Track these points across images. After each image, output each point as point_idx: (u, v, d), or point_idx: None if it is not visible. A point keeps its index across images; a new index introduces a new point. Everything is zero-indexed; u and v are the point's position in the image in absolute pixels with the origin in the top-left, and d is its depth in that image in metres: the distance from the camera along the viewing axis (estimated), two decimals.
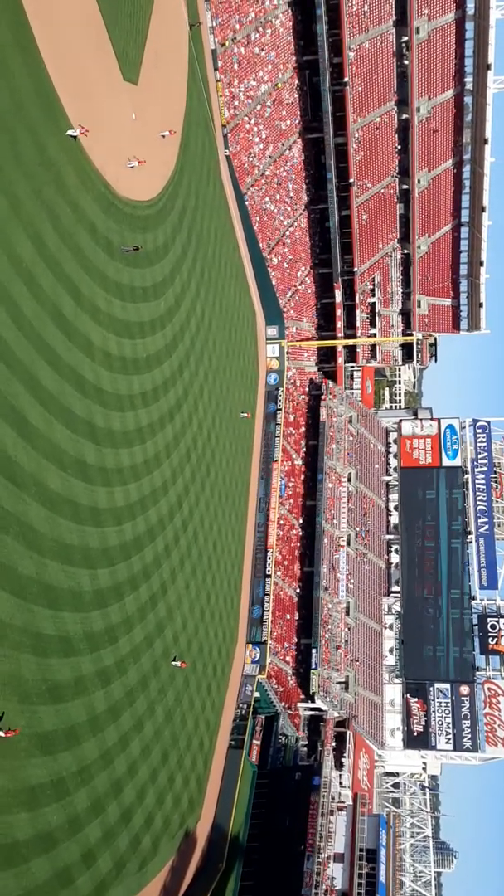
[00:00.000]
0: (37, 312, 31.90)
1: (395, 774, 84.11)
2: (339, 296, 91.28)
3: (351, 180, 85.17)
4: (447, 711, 78.93)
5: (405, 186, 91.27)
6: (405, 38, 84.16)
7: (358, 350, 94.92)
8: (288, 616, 76.89)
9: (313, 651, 72.53)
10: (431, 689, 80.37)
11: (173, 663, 45.90)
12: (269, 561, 74.02)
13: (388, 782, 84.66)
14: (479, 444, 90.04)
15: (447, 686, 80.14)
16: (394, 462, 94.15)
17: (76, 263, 36.61)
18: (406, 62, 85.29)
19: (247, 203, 77.15)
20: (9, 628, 27.77)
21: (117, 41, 43.75)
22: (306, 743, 71.40)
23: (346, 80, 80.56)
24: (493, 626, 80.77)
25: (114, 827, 36.50)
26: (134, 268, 45.72)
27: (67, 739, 32.10)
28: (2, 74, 29.43)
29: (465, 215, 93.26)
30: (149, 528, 45.83)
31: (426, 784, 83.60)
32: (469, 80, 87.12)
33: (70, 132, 36.33)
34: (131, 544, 42.52)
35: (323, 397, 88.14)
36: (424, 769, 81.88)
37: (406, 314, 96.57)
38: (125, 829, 38.06)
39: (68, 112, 35.67)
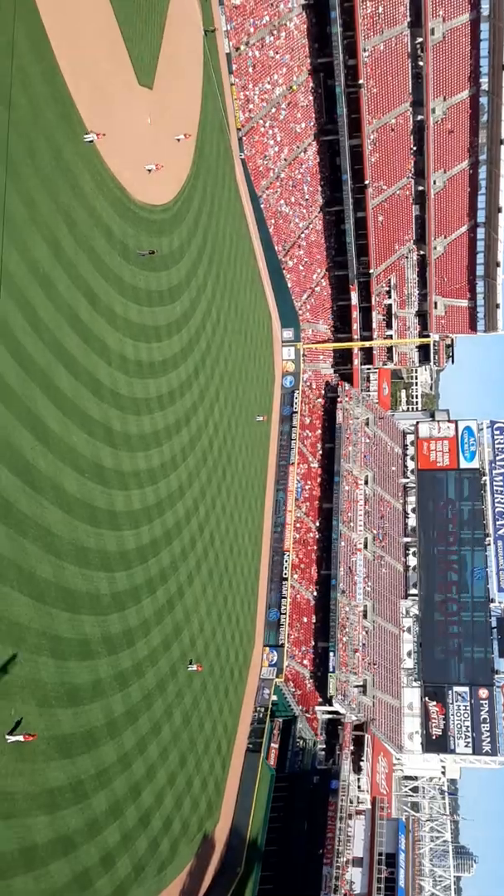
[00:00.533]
0: (53, 317, 32.05)
1: (414, 778, 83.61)
2: (355, 298, 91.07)
3: (366, 182, 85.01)
4: (466, 715, 78.40)
5: (421, 188, 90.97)
6: (420, 40, 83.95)
7: (374, 352, 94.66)
8: (305, 619, 76.70)
9: (331, 654, 72.27)
10: (450, 692, 79.87)
11: (189, 667, 45.86)
12: (285, 564, 73.84)
13: (406, 786, 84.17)
14: (496, 446, 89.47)
15: (466, 689, 79.61)
16: (411, 464, 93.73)
17: (92, 267, 36.75)
18: (421, 63, 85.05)
19: (262, 206, 77.17)
20: (27, 631, 27.86)
21: (132, 46, 43.92)
22: (324, 746, 71.14)
23: (360, 81, 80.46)
24: None
25: (132, 830, 36.52)
26: (150, 271, 45.84)
27: (86, 743, 32.14)
28: (19, 81, 29.61)
29: (481, 216, 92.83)
30: (165, 531, 45.87)
31: (445, 788, 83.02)
32: (484, 80, 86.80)
33: (86, 137, 36.51)
34: (148, 547, 42.58)
35: (339, 399, 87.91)
36: (443, 773, 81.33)
37: (422, 315, 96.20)
38: (144, 832, 38.06)
39: (84, 117, 35.84)
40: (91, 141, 36.96)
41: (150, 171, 46.80)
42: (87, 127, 36.20)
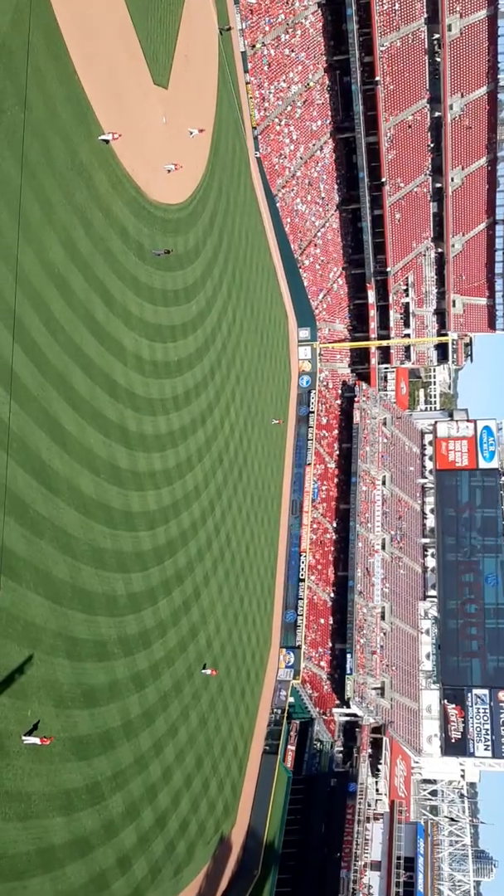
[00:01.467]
0: (69, 317, 31.95)
1: (433, 782, 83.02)
2: (372, 296, 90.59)
3: (383, 179, 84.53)
4: (485, 718, 77.72)
5: (438, 185, 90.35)
6: (437, 36, 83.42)
7: (392, 351, 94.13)
8: (322, 620, 76.34)
9: (348, 656, 71.90)
10: (469, 695, 79.23)
11: (203, 671, 45.55)
12: (302, 565, 73.54)
13: (425, 790, 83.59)
14: None
15: (485, 692, 78.93)
16: (429, 464, 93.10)
17: (108, 268, 36.63)
18: (438, 60, 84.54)
19: (278, 204, 76.91)
20: (43, 632, 27.77)
21: (147, 46, 43.79)
22: (342, 749, 70.78)
23: (377, 78, 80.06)
24: None
25: (149, 832, 36.38)
26: (165, 271, 45.70)
27: (102, 744, 32.02)
28: (35, 82, 29.53)
29: (500, 213, 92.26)
30: (181, 532, 45.72)
31: (464, 792, 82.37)
32: (502, 76, 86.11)
33: (102, 137, 36.39)
34: (164, 548, 42.44)
35: (356, 399, 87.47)
36: (463, 776, 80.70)
37: (440, 314, 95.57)
38: (160, 834, 37.92)
39: (100, 117, 35.73)
40: (107, 140, 36.86)
41: (169, 171, 46.83)
42: (104, 129, 36.10)
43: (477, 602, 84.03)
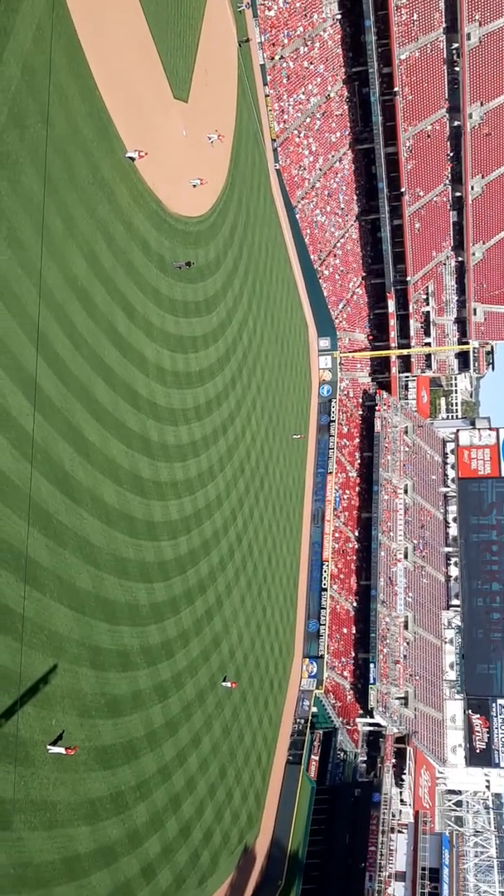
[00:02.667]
0: (91, 330, 32.34)
1: (458, 792, 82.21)
2: (392, 305, 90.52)
3: (402, 189, 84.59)
4: None
5: (458, 193, 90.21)
6: (456, 45, 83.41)
7: (412, 360, 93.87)
8: (345, 630, 76.10)
9: (371, 666, 71.59)
10: (494, 705, 78.51)
11: (223, 684, 45.45)
12: (324, 574, 73.42)
13: (450, 800, 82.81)
14: None
15: None
16: (451, 473, 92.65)
17: (129, 280, 37.04)
18: (457, 69, 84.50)
19: (297, 216, 77.24)
20: (67, 642, 28.03)
21: (167, 60, 44.31)
22: (365, 759, 70.38)
23: (396, 89, 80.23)
24: None
25: (173, 842, 36.45)
26: (186, 283, 46.08)
27: (126, 754, 32.20)
28: (58, 99, 30.02)
29: None
30: (203, 541, 45.90)
31: (490, 803, 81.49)
32: None
33: (128, 154, 37.10)
34: (187, 558, 42.63)
35: (377, 408, 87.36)
36: (488, 787, 79.86)
37: (461, 322, 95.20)
38: (184, 843, 37.97)
39: (121, 132, 36.21)
40: (133, 159, 37.55)
41: (195, 186, 47.60)
42: (125, 144, 36.59)
43: (502, 611, 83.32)
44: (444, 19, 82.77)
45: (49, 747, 25.73)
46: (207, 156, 52.55)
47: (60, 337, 29.32)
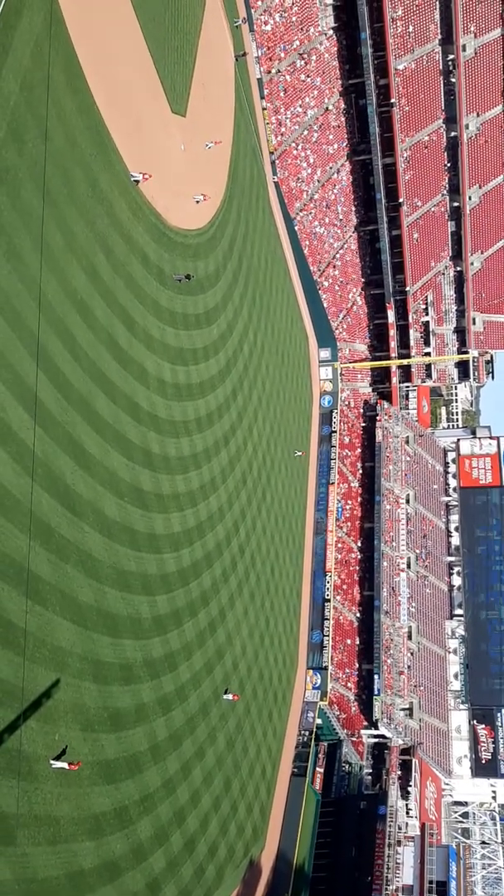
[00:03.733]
0: (92, 343, 32.43)
1: (464, 804, 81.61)
2: (391, 316, 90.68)
3: (400, 200, 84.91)
4: None
5: (456, 203, 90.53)
6: (451, 56, 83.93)
7: (413, 369, 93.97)
8: (348, 641, 75.83)
9: (375, 677, 71.26)
10: (499, 715, 78.09)
11: (225, 696, 45.18)
12: (327, 585, 73.23)
13: (456, 812, 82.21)
14: None
15: None
16: (453, 482, 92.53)
17: (129, 293, 37.16)
18: (453, 80, 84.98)
19: (296, 227, 77.54)
20: (70, 656, 27.96)
21: (165, 75, 44.64)
22: (371, 771, 69.98)
23: (392, 101, 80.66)
24: None
25: (178, 856, 36.23)
26: (186, 295, 46.22)
27: (129, 768, 32.05)
28: (56, 114, 30.22)
29: None
30: (206, 553, 45.83)
31: (497, 814, 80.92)
32: None
33: (133, 177, 37.75)
34: (189, 570, 42.56)
35: (378, 418, 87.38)
36: (494, 798, 79.30)
37: (461, 332, 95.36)
38: (189, 858, 37.72)
39: (118, 146, 36.43)
40: (137, 181, 38.00)
41: (198, 202, 48.40)
42: (123, 157, 36.80)
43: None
44: (439, 31, 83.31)
45: (52, 762, 25.63)
46: (206, 169, 52.84)
47: (60, 350, 29.39)
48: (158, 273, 41.56)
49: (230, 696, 45.39)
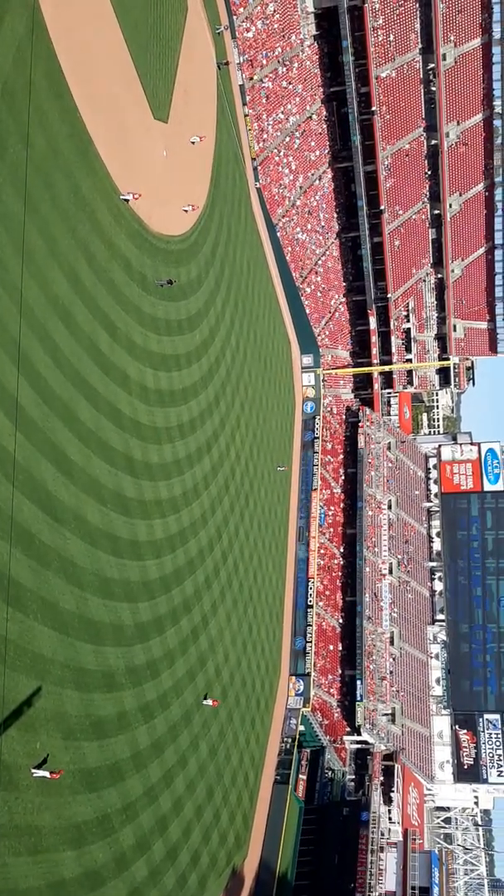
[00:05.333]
0: (73, 349, 32.30)
1: (446, 809, 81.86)
2: (373, 322, 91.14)
3: (382, 207, 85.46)
4: (498, 743, 76.87)
5: (437, 211, 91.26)
6: (432, 65, 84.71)
7: (394, 376, 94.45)
8: (331, 647, 75.86)
9: (358, 682, 71.31)
10: (481, 720, 78.43)
11: (204, 702, 44.95)
12: (310, 591, 73.25)
13: (438, 817, 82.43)
14: None
15: (497, 717, 78.16)
16: (434, 488, 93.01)
17: (111, 299, 37.07)
18: (434, 88, 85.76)
19: (278, 234, 77.76)
20: (51, 664, 27.73)
21: (147, 82, 44.65)
22: (353, 777, 69.95)
23: (373, 108, 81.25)
24: None
25: (160, 865, 35.99)
26: (168, 301, 46.19)
27: (111, 776, 31.82)
28: (38, 120, 30.14)
29: (498, 238, 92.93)
30: (189, 560, 45.70)
31: (479, 820, 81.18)
32: (498, 103, 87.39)
33: (122, 197, 38.19)
34: (171, 577, 42.41)
35: (360, 424, 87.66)
36: (476, 803, 79.58)
37: (442, 338, 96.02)
38: (172, 867, 37.49)
39: (101, 152, 36.37)
40: (127, 200, 38.37)
41: (186, 211, 49.27)
42: (109, 168, 36.78)
43: (489, 624, 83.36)
44: (419, 40, 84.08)
45: (33, 771, 25.38)
46: (188, 175, 52.93)
47: (42, 356, 29.25)
48: (141, 279, 41.49)
49: (209, 702, 45.02)
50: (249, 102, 71.05)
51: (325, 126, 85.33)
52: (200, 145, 54.24)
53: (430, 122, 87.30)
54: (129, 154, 40.87)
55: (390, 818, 65.81)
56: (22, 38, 29.57)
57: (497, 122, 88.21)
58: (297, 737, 63.54)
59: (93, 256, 35.18)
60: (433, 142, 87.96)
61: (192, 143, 52.04)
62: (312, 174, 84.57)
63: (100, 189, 36.50)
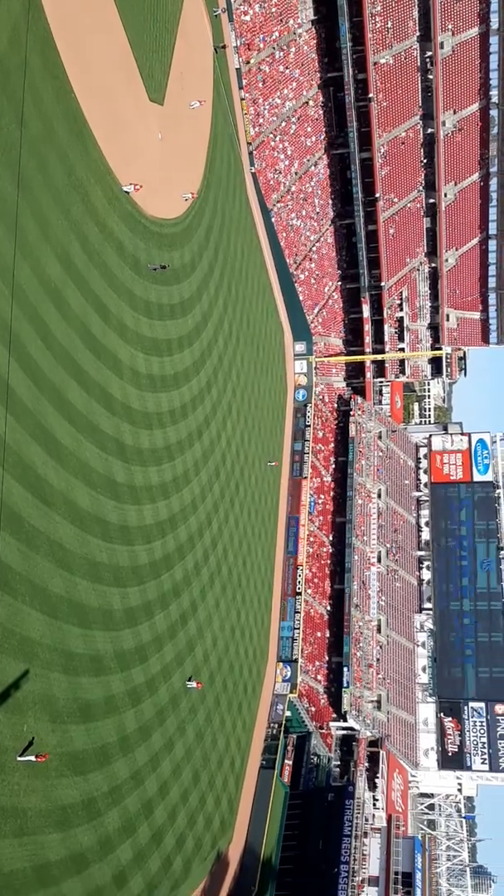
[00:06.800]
0: (65, 331, 32.09)
1: (430, 796, 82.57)
2: (366, 310, 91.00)
3: (377, 195, 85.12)
4: (482, 731, 77.46)
5: (432, 200, 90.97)
6: (429, 54, 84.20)
7: (386, 365, 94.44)
8: (318, 634, 76.16)
9: (345, 669, 71.66)
10: (466, 708, 78.97)
11: (188, 684, 45.06)
12: (299, 578, 73.45)
13: (422, 804, 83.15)
14: None
15: (482, 705, 78.69)
16: (424, 478, 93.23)
17: (104, 282, 36.83)
18: (431, 77, 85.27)
19: (273, 219, 77.37)
20: (39, 647, 27.71)
21: (143, 64, 44.24)
22: (339, 763, 70.40)
23: (370, 95, 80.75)
24: None
25: (145, 848, 36.16)
26: (161, 285, 45.93)
27: (98, 759, 31.90)
28: (32, 100, 29.81)
29: (492, 228, 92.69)
30: (178, 545, 45.69)
31: (462, 806, 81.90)
32: (494, 92, 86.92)
33: (124, 188, 38.35)
34: (161, 562, 42.41)
35: (352, 413, 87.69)
36: (460, 790, 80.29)
37: (434, 328, 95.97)
38: (156, 850, 37.68)
39: (95, 134, 36.04)
40: (128, 192, 38.70)
41: (186, 199, 49.40)
42: (101, 147, 36.41)
43: (480, 605, 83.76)
44: (417, 28, 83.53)
45: (19, 758, 25.39)
46: (183, 158, 52.54)
47: (33, 338, 29.05)
48: (133, 262, 41.24)
49: (194, 684, 44.98)
50: (246, 86, 70.49)
51: (321, 112, 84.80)
52: (197, 129, 53.90)
53: (427, 111, 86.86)
54: (124, 136, 40.53)
55: (375, 804, 66.35)
56: (18, 17, 29.21)
57: (493, 112, 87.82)
58: (284, 722, 63.86)
59: (85, 238, 34.92)
60: (429, 130, 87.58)
61: (192, 106, 51.98)
62: (308, 160, 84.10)
63: (94, 171, 36.19)
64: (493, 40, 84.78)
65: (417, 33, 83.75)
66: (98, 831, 31.11)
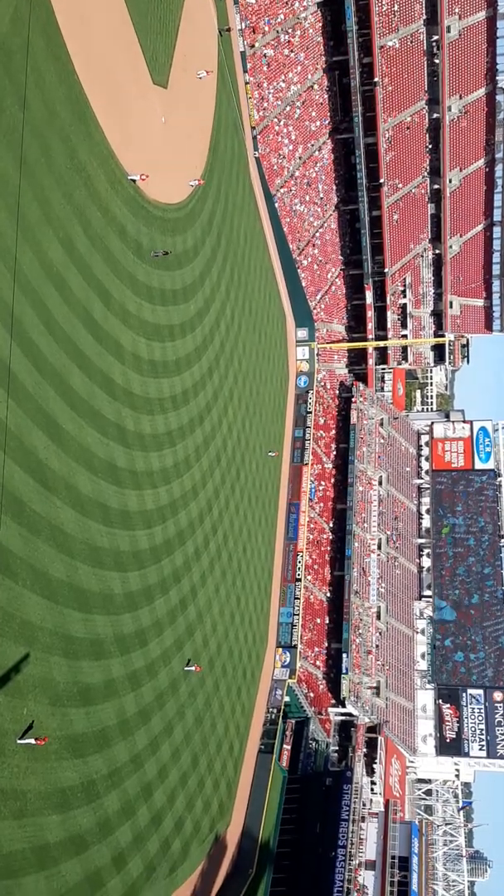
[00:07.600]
0: (67, 316, 32.01)
1: (428, 781, 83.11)
2: (369, 297, 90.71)
3: (381, 180, 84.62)
4: (480, 718, 77.83)
5: (436, 186, 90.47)
6: (436, 37, 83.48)
7: (389, 352, 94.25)
8: (318, 620, 76.43)
9: (344, 655, 71.96)
10: (464, 695, 79.32)
11: (187, 668, 45.30)
12: (299, 564, 73.63)
13: (420, 789, 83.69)
14: None
15: (480, 692, 79.02)
16: (425, 465, 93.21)
17: (106, 267, 36.69)
18: (437, 61, 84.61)
19: (276, 204, 76.96)
20: (40, 631, 27.83)
21: (147, 46, 43.85)
22: (337, 748, 70.82)
23: (376, 79, 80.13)
24: None
25: (144, 831, 36.46)
26: (164, 270, 45.76)
27: (98, 742, 32.11)
28: (34, 82, 29.58)
29: (497, 214, 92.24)
30: (179, 531, 45.79)
31: (458, 792, 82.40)
32: (501, 77, 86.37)
33: (130, 177, 38.34)
34: (161, 547, 42.51)
35: (353, 400, 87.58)
36: (457, 776, 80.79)
37: (438, 315, 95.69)
38: (155, 832, 37.99)
39: (98, 116, 35.79)
40: (135, 181, 38.80)
41: (192, 186, 49.38)
42: (104, 130, 36.16)
43: (473, 597, 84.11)
44: (424, 11, 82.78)
45: (19, 741, 25.56)
46: (187, 142, 52.20)
47: (35, 323, 28.98)
48: (136, 247, 41.06)
49: (193, 668, 45.23)
50: (250, 70, 69.93)
51: (326, 96, 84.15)
52: (200, 113, 53.55)
53: (433, 96, 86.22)
54: (127, 119, 40.25)
55: (372, 789, 66.78)
56: None
57: (499, 97, 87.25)
58: (283, 707, 64.20)
59: (88, 222, 34.75)
60: (435, 115, 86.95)
61: (199, 77, 51.81)
62: (312, 145, 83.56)
63: (96, 154, 35.97)
64: (501, 24, 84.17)
65: (424, 16, 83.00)
66: (97, 813, 31.36)
